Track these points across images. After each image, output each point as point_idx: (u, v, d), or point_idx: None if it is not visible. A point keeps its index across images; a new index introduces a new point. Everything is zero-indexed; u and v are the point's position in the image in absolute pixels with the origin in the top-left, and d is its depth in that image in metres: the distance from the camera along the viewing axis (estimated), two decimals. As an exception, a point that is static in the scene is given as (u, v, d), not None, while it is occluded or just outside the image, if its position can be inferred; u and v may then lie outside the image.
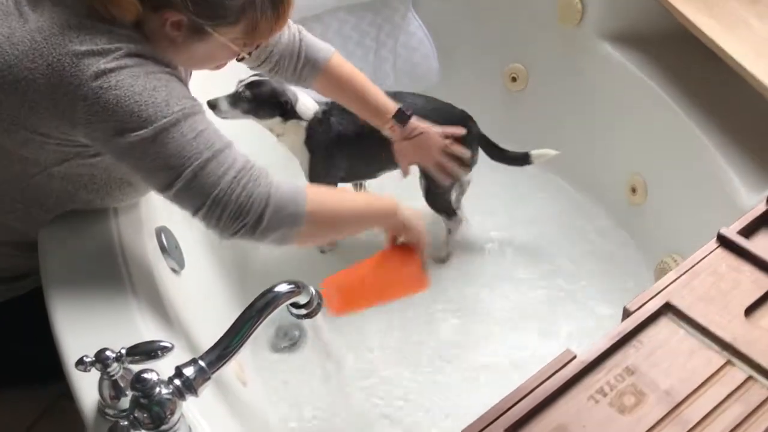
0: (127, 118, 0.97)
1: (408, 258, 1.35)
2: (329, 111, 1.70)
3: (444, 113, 1.73)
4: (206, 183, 1.00)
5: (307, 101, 1.68)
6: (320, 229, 1.15)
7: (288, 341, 1.68)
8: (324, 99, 1.65)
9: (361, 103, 1.56)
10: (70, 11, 1.01)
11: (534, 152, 1.80)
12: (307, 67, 1.48)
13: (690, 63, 1.74)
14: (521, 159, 1.82)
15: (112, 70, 0.97)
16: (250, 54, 1.18)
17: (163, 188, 1.03)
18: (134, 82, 0.98)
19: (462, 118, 1.76)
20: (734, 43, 1.48)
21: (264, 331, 1.63)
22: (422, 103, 1.73)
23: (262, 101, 1.62)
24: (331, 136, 1.71)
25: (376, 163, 1.80)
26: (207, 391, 0.87)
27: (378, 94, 1.56)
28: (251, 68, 1.50)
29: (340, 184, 1.82)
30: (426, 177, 1.77)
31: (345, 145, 1.72)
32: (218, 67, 1.21)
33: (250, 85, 1.61)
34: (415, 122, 1.58)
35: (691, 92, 1.68)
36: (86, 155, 1.08)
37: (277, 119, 1.66)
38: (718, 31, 1.52)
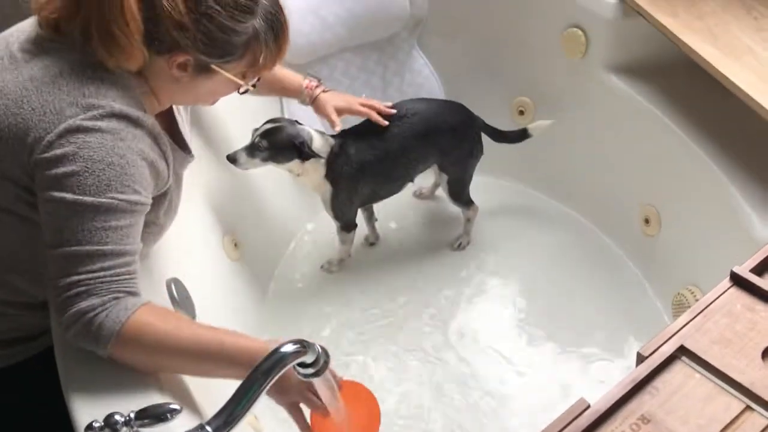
0: (68, 176, 0.97)
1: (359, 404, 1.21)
2: (344, 142, 1.75)
3: (446, 107, 1.89)
4: (63, 268, 0.97)
5: (321, 138, 1.72)
6: (131, 360, 1.00)
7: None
8: (332, 131, 1.73)
9: (277, 87, 1.66)
10: (65, 61, 1.02)
11: (530, 126, 1.93)
12: None
13: (697, 92, 1.73)
14: (521, 135, 1.93)
15: (85, 129, 0.98)
16: (254, 86, 1.20)
17: (47, 245, 0.99)
18: (98, 148, 0.98)
19: (464, 110, 1.89)
20: (740, 72, 1.48)
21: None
22: (424, 104, 1.86)
23: (279, 148, 1.65)
24: (351, 166, 1.75)
25: (397, 179, 1.87)
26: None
27: (284, 70, 1.65)
28: None
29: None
30: (448, 174, 1.90)
31: (366, 173, 1.78)
32: (214, 102, 1.25)
33: (265, 134, 1.64)
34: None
35: (700, 122, 1.67)
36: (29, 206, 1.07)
37: (296, 161, 1.68)
38: (724, 61, 1.51)
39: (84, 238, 0.97)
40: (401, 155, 1.79)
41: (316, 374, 0.92)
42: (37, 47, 1.05)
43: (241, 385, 0.81)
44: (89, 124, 0.98)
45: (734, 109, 1.53)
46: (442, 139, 1.84)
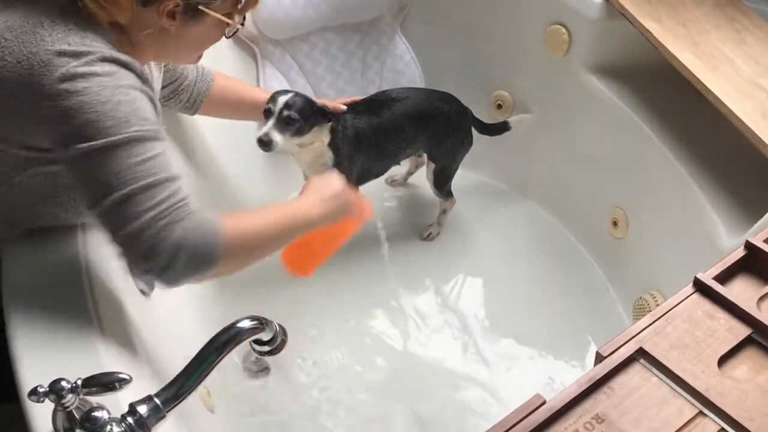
0: (84, 125, 0.95)
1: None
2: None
3: (438, 95, 1.88)
4: (129, 213, 0.95)
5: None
6: (240, 261, 1.08)
7: (259, 366, 1.65)
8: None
9: (241, 109, 1.61)
10: (43, 10, 1.00)
11: (511, 119, 1.96)
12: (198, 87, 1.50)
13: (674, 99, 1.74)
14: (502, 128, 1.96)
15: (82, 75, 0.96)
16: (242, 24, 1.19)
17: (91, 205, 0.98)
18: (101, 91, 0.96)
19: (456, 100, 1.89)
20: (718, 82, 1.48)
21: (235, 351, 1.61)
22: (419, 91, 1.88)
23: (307, 115, 1.58)
24: (348, 133, 1.72)
25: (387, 157, 1.85)
26: (170, 418, 0.84)
27: (253, 92, 1.62)
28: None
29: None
30: (436, 162, 1.90)
31: (362, 143, 1.76)
32: (199, 58, 1.24)
33: (289, 105, 1.55)
34: None
35: (674, 128, 1.68)
36: (44, 162, 1.06)
37: (315, 129, 1.62)
38: (703, 70, 1.51)
39: (133, 176, 0.95)
40: (393, 133, 1.79)
41: (271, 352, 0.91)
42: None
43: (194, 359, 0.79)
44: (84, 69, 0.96)
45: (709, 118, 1.54)
46: (435, 125, 1.84)
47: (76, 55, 0.97)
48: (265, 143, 1.52)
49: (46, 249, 1.13)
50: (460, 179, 2.00)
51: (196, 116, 1.59)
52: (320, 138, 1.67)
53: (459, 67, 2.19)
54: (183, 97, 1.50)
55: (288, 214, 1.16)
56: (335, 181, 1.28)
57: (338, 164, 1.74)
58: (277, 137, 1.53)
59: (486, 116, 2.07)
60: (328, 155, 1.72)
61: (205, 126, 1.72)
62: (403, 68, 2.17)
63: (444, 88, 2.07)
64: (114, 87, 0.97)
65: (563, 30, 1.89)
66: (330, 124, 1.66)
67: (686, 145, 1.64)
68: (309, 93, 1.93)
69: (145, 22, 1.06)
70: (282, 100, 1.55)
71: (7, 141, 1.02)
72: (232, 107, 1.60)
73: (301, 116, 1.56)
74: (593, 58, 1.87)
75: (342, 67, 2.13)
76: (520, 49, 2.04)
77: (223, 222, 1.02)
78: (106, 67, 0.98)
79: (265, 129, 1.53)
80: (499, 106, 2.17)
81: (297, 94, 1.59)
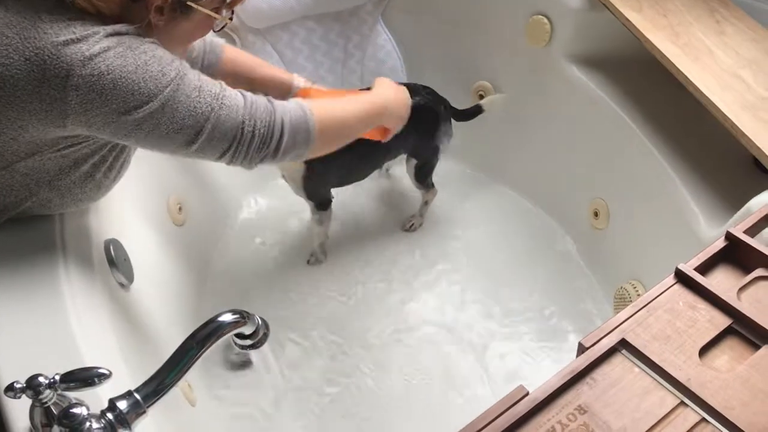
0: (129, 97, 0.98)
1: None
2: None
3: (415, 95, 1.75)
4: (226, 130, 1.06)
5: None
6: (329, 142, 1.24)
7: (241, 357, 1.64)
8: None
9: (262, 87, 1.58)
10: (38, 5, 0.99)
11: (483, 101, 1.95)
12: (206, 61, 1.47)
13: (656, 89, 1.75)
14: (475, 111, 1.95)
15: (97, 55, 0.96)
16: (231, 19, 1.19)
17: (184, 147, 1.06)
18: (124, 62, 0.98)
19: (435, 96, 1.85)
20: (698, 72, 1.49)
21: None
22: None
23: None
24: None
25: (367, 166, 1.82)
26: (150, 412, 0.83)
27: (273, 70, 1.61)
28: None
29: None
30: (417, 159, 1.88)
31: (339, 155, 1.66)
32: (185, 51, 1.27)
33: None
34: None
35: (655, 119, 1.69)
36: (60, 148, 1.06)
37: None
38: (683, 60, 1.52)
39: (205, 108, 1.04)
40: (375, 143, 1.71)
41: (253, 346, 0.90)
42: None
43: (175, 353, 0.78)
44: (96, 48, 0.97)
45: (690, 108, 1.55)
46: (417, 128, 1.77)
47: (83, 39, 0.97)
48: None
49: (22, 241, 1.11)
50: (441, 169, 2.00)
51: None
52: None
53: (440, 56, 2.18)
54: None
55: (370, 99, 1.33)
56: (399, 89, 1.45)
57: (308, 178, 1.70)
58: None
59: (467, 106, 2.06)
60: (299, 167, 1.68)
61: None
62: (384, 57, 2.16)
63: (425, 77, 2.06)
64: (132, 52, 0.99)
65: (545, 20, 1.89)
66: None
67: (667, 135, 1.64)
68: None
69: (133, 17, 1.05)
70: None
71: (24, 128, 1.01)
72: (245, 81, 1.57)
73: None
74: (575, 48, 1.87)
75: (323, 57, 2.11)
76: (501, 39, 2.04)
77: (310, 105, 1.17)
78: (114, 40, 0.99)
79: None
80: (481, 96, 2.16)
81: None
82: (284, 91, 1.61)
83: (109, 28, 1.00)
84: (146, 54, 1.00)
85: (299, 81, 1.62)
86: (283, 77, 1.60)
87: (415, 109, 1.73)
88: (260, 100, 1.12)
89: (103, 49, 0.97)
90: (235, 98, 1.09)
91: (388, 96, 1.40)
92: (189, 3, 1.07)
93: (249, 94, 1.12)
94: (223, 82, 1.11)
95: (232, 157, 1.10)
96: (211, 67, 1.50)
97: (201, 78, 1.07)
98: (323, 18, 2.07)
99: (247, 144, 1.09)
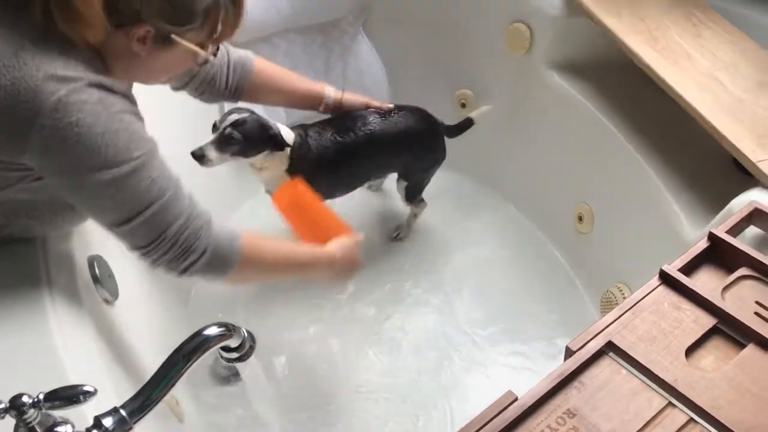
0: (86, 157, 0.95)
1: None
2: (305, 136, 1.63)
3: (413, 119, 1.77)
4: (154, 229, 1.03)
5: (284, 129, 1.59)
6: (249, 276, 1.25)
7: (229, 371, 1.63)
8: (292, 123, 1.64)
9: (295, 98, 1.60)
10: (22, 32, 0.96)
11: (473, 114, 1.90)
12: (238, 73, 1.47)
13: (636, 94, 1.76)
14: (466, 125, 1.90)
15: (73, 104, 0.93)
16: (215, 55, 1.17)
17: (107, 226, 1.04)
18: (96, 121, 0.95)
19: (430, 119, 1.81)
20: (677, 76, 1.50)
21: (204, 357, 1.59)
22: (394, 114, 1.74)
23: (253, 139, 1.51)
24: (311, 159, 1.63)
25: (353, 182, 1.80)
26: (137, 429, 0.82)
27: (304, 82, 1.61)
28: (175, 89, 1.47)
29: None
30: (408, 180, 1.88)
31: (325, 166, 1.66)
32: (168, 79, 1.26)
33: (237, 125, 1.48)
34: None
35: (636, 123, 1.70)
36: (30, 179, 1.03)
37: (264, 154, 1.55)
38: (662, 64, 1.53)
39: (147, 199, 1.01)
40: (363, 160, 1.71)
41: (240, 359, 0.89)
42: None
43: (161, 368, 0.78)
44: (74, 98, 0.93)
45: (670, 111, 1.56)
46: (408, 152, 1.78)
47: (64, 80, 0.94)
48: (197, 157, 1.46)
49: (4, 260, 1.10)
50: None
51: (160, 115, 1.54)
52: (275, 163, 1.59)
53: (422, 65, 2.19)
54: (219, 84, 1.46)
55: (301, 259, 1.32)
56: (352, 252, 1.43)
57: None
58: (212, 154, 1.47)
59: (451, 114, 2.07)
60: (285, 181, 1.63)
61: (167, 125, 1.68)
62: (365, 68, 2.17)
63: (407, 86, 2.07)
64: (107, 115, 0.96)
65: (525, 28, 1.90)
66: (287, 151, 1.58)
67: (648, 138, 1.66)
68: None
69: (115, 46, 1.03)
70: (231, 118, 1.49)
71: None
72: (277, 92, 1.57)
73: (244, 138, 1.49)
74: (555, 55, 1.89)
75: (305, 69, 2.11)
76: (482, 47, 2.05)
77: (244, 236, 1.15)
78: (95, 94, 0.96)
79: (203, 143, 1.48)
80: (463, 105, 2.17)
81: (250, 117, 1.51)
82: (316, 102, 1.64)
83: (94, 78, 0.97)
84: (121, 122, 0.98)
85: (330, 91, 1.64)
86: (314, 88, 1.62)
87: (408, 133, 1.73)
88: (200, 220, 1.08)
89: (80, 100, 0.94)
90: (181, 204, 1.06)
91: (333, 255, 1.38)
92: (173, 36, 1.05)
93: (198, 208, 1.09)
94: (181, 181, 1.07)
95: (142, 256, 1.07)
96: (244, 79, 1.49)
97: (162, 169, 1.04)
98: (305, 30, 2.07)
99: (164, 250, 1.05)
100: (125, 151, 0.98)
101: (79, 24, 0.96)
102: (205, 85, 1.45)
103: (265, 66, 1.53)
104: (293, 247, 1.33)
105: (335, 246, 1.39)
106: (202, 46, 1.12)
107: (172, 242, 1.05)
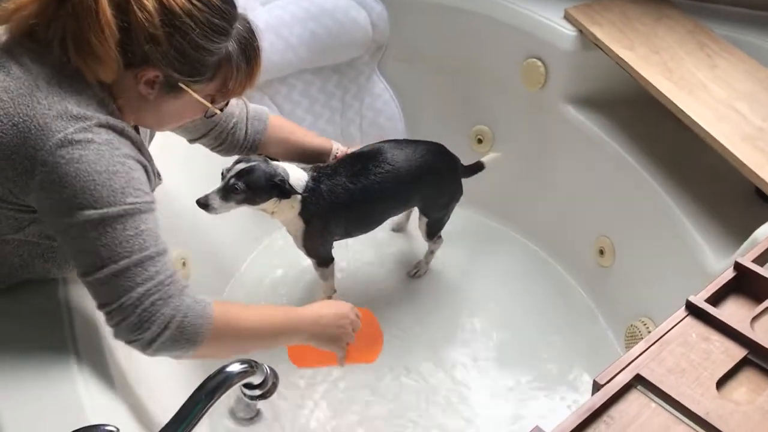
0: (81, 194, 0.94)
1: (365, 328, 1.39)
2: (318, 178, 1.61)
3: (430, 153, 1.75)
4: (121, 286, 0.96)
5: (296, 172, 1.58)
6: (222, 351, 1.08)
7: (249, 412, 1.60)
8: (306, 165, 1.65)
9: (305, 154, 1.64)
10: (39, 71, 0.98)
11: (484, 158, 1.90)
12: (255, 127, 1.49)
13: (653, 125, 1.76)
14: (478, 167, 1.89)
15: (78, 142, 0.94)
16: (222, 110, 1.17)
17: (82, 272, 0.98)
18: (98, 160, 0.95)
19: (447, 154, 1.81)
20: (695, 106, 1.50)
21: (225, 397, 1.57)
22: (409, 149, 1.71)
23: (257, 188, 1.50)
24: (324, 203, 1.61)
25: (372, 222, 1.79)
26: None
27: (314, 138, 1.64)
28: (191, 141, 1.48)
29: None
30: (429, 217, 1.87)
31: (340, 212, 1.65)
32: (177, 127, 1.24)
33: (241, 175, 1.47)
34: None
35: (654, 154, 1.70)
36: (41, 222, 1.04)
37: (273, 200, 1.54)
38: (679, 95, 1.53)
39: (125, 250, 0.96)
40: (380, 199, 1.69)
41: (263, 396, 0.88)
42: (5, 54, 1.00)
43: (183, 406, 0.77)
44: (81, 136, 0.95)
45: (688, 142, 1.55)
46: (426, 188, 1.76)
47: (74, 118, 0.95)
48: (202, 205, 1.47)
49: (27, 300, 1.11)
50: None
51: (172, 150, 1.55)
52: (285, 208, 1.59)
53: (438, 103, 2.20)
54: (238, 137, 1.49)
55: (280, 321, 1.18)
56: (342, 308, 1.32)
57: (308, 235, 1.67)
58: (215, 203, 1.47)
59: (467, 151, 2.08)
60: (299, 225, 1.64)
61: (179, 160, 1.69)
62: (381, 107, 2.19)
63: (423, 124, 2.08)
64: (111, 156, 0.97)
65: (539, 63, 1.91)
66: (299, 196, 1.57)
67: (667, 170, 1.65)
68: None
69: (126, 86, 1.04)
70: (237, 168, 1.49)
71: (2, 200, 1.00)
72: (290, 146, 1.60)
73: (249, 188, 1.48)
74: (570, 89, 1.89)
75: (322, 108, 2.13)
76: (497, 83, 2.06)
77: (215, 308, 1.04)
78: (104, 135, 0.97)
79: (209, 192, 1.48)
80: (480, 141, 2.18)
81: (257, 165, 1.49)
82: (324, 158, 1.67)
83: (104, 118, 0.98)
84: (123, 166, 0.98)
85: (337, 146, 1.68)
86: (325, 145, 1.66)
87: (426, 168, 1.73)
88: (172, 287, 1.00)
89: (86, 139, 0.95)
90: (156, 269, 0.99)
91: (318, 311, 1.27)
92: (181, 85, 1.06)
93: (175, 276, 1.01)
94: (168, 254, 1.02)
95: (106, 315, 0.99)
96: (259, 133, 1.52)
97: (151, 228, 1.00)
98: (321, 70, 2.10)
99: (123, 316, 0.97)
100: (120, 194, 0.97)
101: (92, 59, 0.98)
102: (224, 137, 1.47)
103: (278, 122, 1.57)
104: (270, 309, 1.24)
105: (320, 303, 1.31)
106: (213, 99, 1.12)
107: (131, 310, 0.96)
